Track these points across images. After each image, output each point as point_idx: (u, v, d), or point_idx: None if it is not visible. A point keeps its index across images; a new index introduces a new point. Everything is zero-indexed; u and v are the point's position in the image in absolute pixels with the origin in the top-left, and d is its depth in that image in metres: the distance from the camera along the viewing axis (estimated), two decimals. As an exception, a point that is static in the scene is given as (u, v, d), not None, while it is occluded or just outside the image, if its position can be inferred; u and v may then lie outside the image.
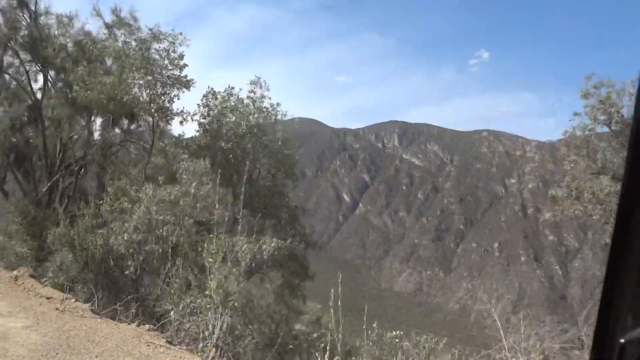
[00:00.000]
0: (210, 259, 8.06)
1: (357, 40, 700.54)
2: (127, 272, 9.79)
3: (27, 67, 16.66)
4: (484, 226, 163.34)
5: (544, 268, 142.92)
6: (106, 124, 16.57)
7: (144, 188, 10.94)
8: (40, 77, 16.83)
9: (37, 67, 16.64)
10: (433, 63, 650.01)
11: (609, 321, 1.25)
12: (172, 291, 8.74)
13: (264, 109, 17.19)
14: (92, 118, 16.69)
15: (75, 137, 17.51)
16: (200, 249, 9.02)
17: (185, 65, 13.98)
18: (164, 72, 14.03)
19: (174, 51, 13.86)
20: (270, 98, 17.55)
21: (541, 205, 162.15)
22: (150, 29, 14.13)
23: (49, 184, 16.22)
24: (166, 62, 13.97)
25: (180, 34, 13.90)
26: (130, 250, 9.84)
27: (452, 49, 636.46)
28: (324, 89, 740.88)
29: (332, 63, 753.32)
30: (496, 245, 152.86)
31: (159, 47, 13.94)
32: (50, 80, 16.89)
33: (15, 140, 16.85)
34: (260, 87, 16.76)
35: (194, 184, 10.98)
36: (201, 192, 10.73)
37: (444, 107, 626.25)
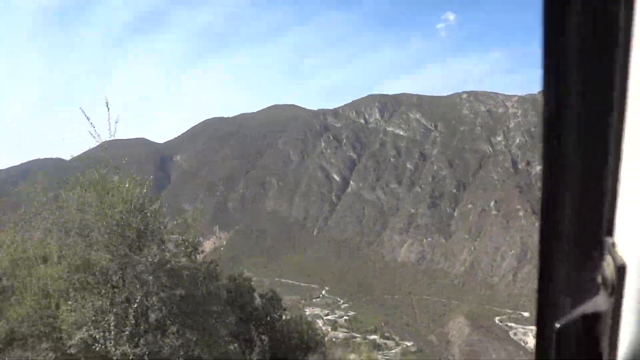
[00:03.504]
0: None
1: (321, 21, 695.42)
2: None
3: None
4: (477, 187, 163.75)
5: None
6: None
7: None
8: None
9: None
10: (400, 32, 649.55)
11: (546, 305, 1.22)
12: None
13: None
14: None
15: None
16: None
17: None
18: None
19: None
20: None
21: (531, 158, 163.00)
22: None
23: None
24: None
25: None
26: None
27: (417, 16, 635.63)
28: (296, 73, 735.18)
29: (301, 46, 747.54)
30: (492, 203, 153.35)
31: None
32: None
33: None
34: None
35: None
36: None
37: (419, 74, 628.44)
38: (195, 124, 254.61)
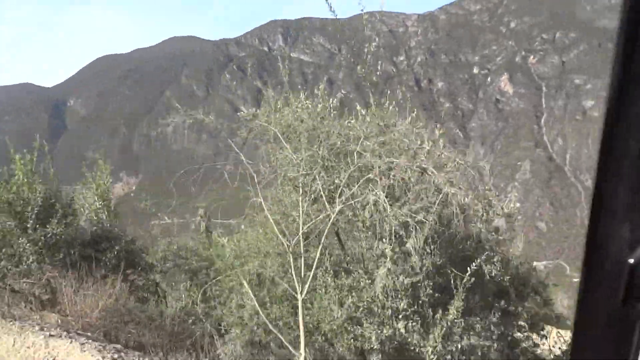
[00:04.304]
0: None
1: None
2: None
3: None
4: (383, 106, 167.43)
5: (446, 134, 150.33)
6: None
7: None
8: None
9: None
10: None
11: (606, 239, 1.05)
12: None
13: None
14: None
15: None
16: None
17: None
18: None
19: None
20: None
21: (433, 76, 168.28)
22: None
23: None
24: None
25: None
26: None
27: None
28: (193, 2, 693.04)
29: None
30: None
31: None
32: None
33: None
34: None
35: None
36: None
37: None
38: (87, 63, 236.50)
